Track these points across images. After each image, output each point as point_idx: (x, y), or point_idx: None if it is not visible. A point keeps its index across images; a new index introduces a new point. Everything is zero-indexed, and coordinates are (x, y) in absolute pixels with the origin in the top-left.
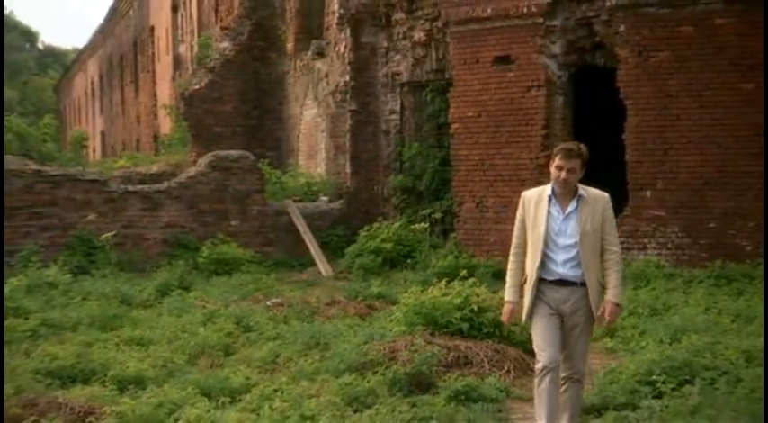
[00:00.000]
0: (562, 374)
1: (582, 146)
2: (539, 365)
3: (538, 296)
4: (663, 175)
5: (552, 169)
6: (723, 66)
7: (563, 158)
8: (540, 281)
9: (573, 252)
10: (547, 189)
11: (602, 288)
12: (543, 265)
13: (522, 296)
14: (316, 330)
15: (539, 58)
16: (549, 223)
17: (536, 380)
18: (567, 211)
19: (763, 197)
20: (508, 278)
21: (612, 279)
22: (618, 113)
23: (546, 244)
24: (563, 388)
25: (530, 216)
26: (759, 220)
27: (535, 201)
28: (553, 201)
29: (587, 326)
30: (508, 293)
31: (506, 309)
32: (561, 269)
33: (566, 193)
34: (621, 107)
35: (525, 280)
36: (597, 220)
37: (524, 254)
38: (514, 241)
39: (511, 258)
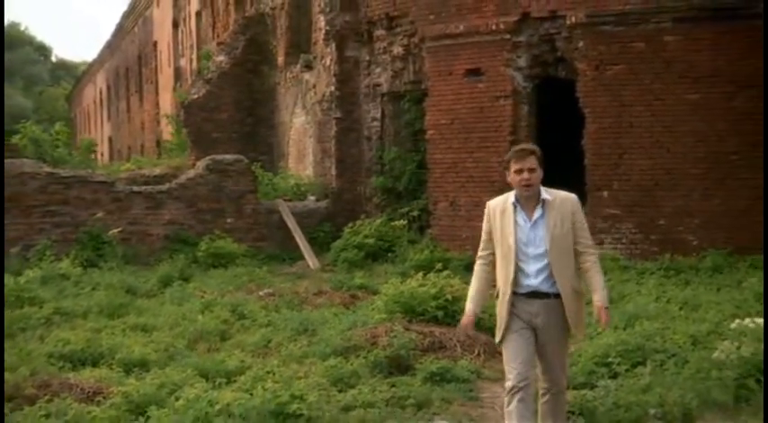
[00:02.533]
0: (543, 385)
1: (532, 145)
2: (508, 384)
3: (510, 310)
4: (618, 177)
5: (511, 176)
6: (671, 78)
7: (519, 160)
8: (513, 294)
9: (544, 261)
10: (510, 196)
11: (577, 293)
12: (515, 278)
13: (479, 305)
14: (304, 318)
15: (506, 70)
16: (518, 233)
17: (505, 399)
18: (533, 219)
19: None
20: (471, 288)
21: (596, 282)
22: (577, 121)
23: (516, 255)
24: (544, 399)
25: (496, 227)
26: (703, 218)
27: (500, 210)
28: (518, 208)
29: (563, 338)
30: (469, 303)
31: (465, 321)
32: (533, 281)
33: (530, 199)
34: (580, 115)
35: (497, 294)
36: (567, 224)
37: (490, 264)
38: (480, 252)
39: (476, 268)
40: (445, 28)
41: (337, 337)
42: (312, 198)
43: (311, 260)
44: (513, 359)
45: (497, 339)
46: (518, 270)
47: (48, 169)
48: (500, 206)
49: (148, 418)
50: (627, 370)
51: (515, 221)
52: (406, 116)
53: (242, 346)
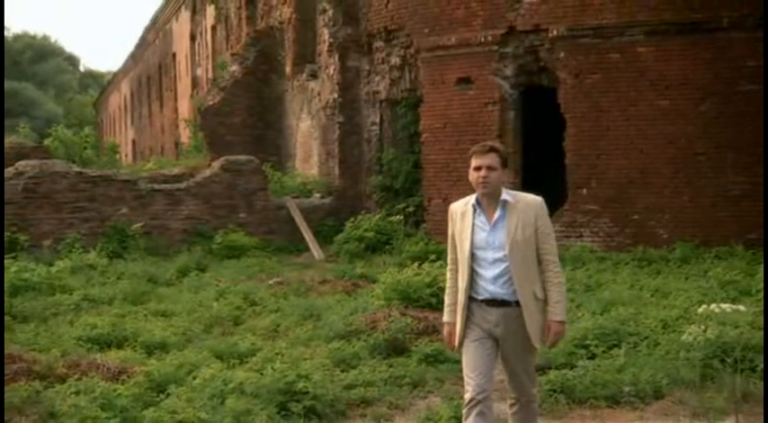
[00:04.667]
0: (511, 395)
1: (497, 143)
2: (466, 396)
3: (468, 318)
4: (596, 176)
5: (471, 174)
6: (644, 86)
7: (478, 156)
8: (471, 301)
9: (503, 266)
10: (471, 199)
11: (541, 303)
12: (472, 283)
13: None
14: (310, 304)
15: (494, 79)
16: (475, 236)
17: (464, 411)
18: (493, 221)
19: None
20: (445, 297)
21: (554, 294)
22: (559, 125)
23: (474, 260)
24: (513, 410)
25: (456, 230)
26: (673, 213)
27: (461, 212)
28: (478, 211)
29: (527, 347)
30: (445, 314)
31: (446, 331)
32: (491, 287)
33: (491, 201)
34: (562, 120)
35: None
36: (530, 229)
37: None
38: (449, 257)
39: (447, 275)
40: (438, 40)
41: (340, 322)
42: (317, 195)
43: (316, 252)
44: (472, 370)
45: (456, 345)
46: (474, 275)
47: (77, 169)
48: (461, 209)
49: (168, 395)
50: (603, 351)
51: (474, 224)
52: (402, 120)
53: (253, 330)
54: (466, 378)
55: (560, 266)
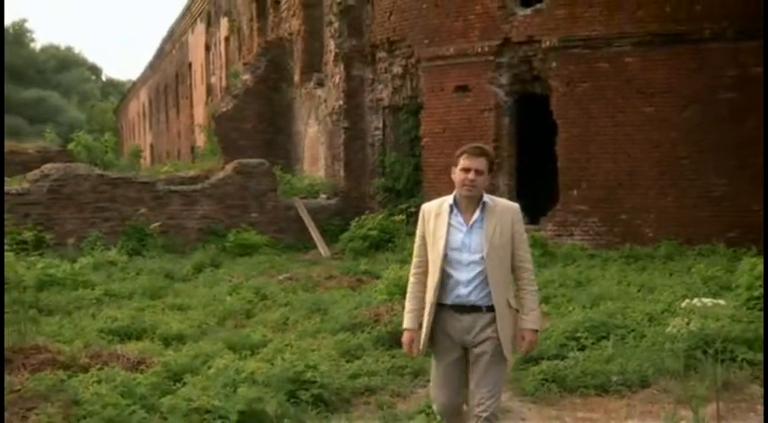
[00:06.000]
0: (474, 410)
1: (487, 147)
2: (435, 409)
3: (436, 324)
4: (586, 178)
5: (457, 173)
6: (631, 94)
7: (468, 158)
8: (440, 306)
9: (478, 269)
10: (448, 199)
11: (513, 311)
12: (443, 286)
13: (417, 321)
14: (317, 299)
15: (490, 87)
16: (451, 237)
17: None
18: (471, 223)
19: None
20: (407, 302)
21: (528, 302)
22: (551, 130)
23: (447, 261)
24: None
25: (429, 230)
26: (658, 213)
27: (435, 213)
28: (455, 211)
29: (497, 355)
30: (406, 320)
31: (405, 338)
32: (463, 290)
33: (470, 202)
34: (554, 125)
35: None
36: (507, 234)
37: (425, 274)
38: (414, 260)
39: (411, 280)
40: (438, 50)
41: (345, 316)
42: (323, 196)
43: (323, 249)
44: (441, 386)
45: (421, 351)
46: (446, 278)
47: (98, 172)
48: (435, 209)
49: (184, 383)
50: (593, 343)
51: (449, 224)
52: (404, 126)
53: (264, 323)
54: (433, 394)
55: (533, 273)
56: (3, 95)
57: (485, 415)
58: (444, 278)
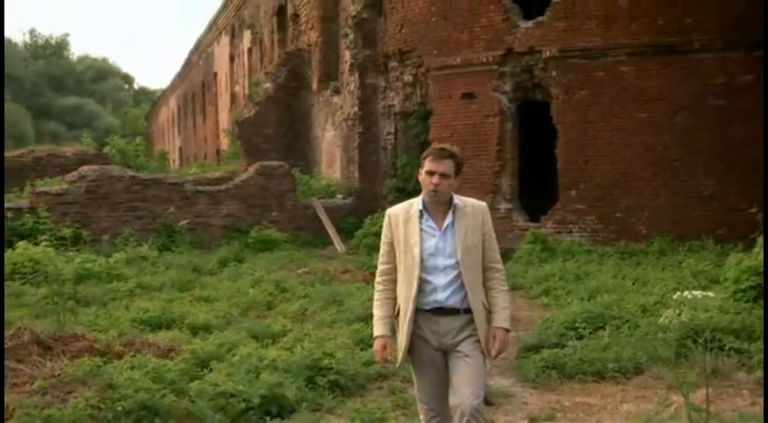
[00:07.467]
0: (459, 409)
1: (455, 148)
2: (421, 418)
3: (415, 331)
4: (583, 179)
5: (423, 177)
6: (626, 101)
7: (433, 160)
8: (416, 312)
9: (454, 273)
10: (416, 203)
11: (487, 312)
12: (420, 293)
13: (388, 327)
14: (333, 291)
15: (494, 94)
16: (425, 243)
17: None
18: (443, 226)
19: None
20: (376, 309)
21: (500, 301)
22: (551, 134)
23: (422, 267)
24: None
25: (399, 237)
26: (652, 212)
27: (403, 219)
28: (425, 216)
29: (477, 354)
30: (378, 327)
31: (378, 344)
32: (441, 295)
33: (439, 206)
34: (554, 130)
35: (398, 312)
36: (478, 235)
37: (393, 282)
38: (381, 267)
39: (377, 287)
40: (446, 60)
41: (360, 307)
42: (339, 196)
43: (339, 245)
44: (425, 394)
45: (398, 362)
46: (423, 283)
47: (131, 173)
48: (403, 215)
49: (211, 370)
50: (590, 333)
51: (421, 229)
52: (414, 130)
53: (284, 314)
54: (419, 402)
55: (504, 273)
56: (3, 101)
57: (466, 418)
58: (420, 284)
